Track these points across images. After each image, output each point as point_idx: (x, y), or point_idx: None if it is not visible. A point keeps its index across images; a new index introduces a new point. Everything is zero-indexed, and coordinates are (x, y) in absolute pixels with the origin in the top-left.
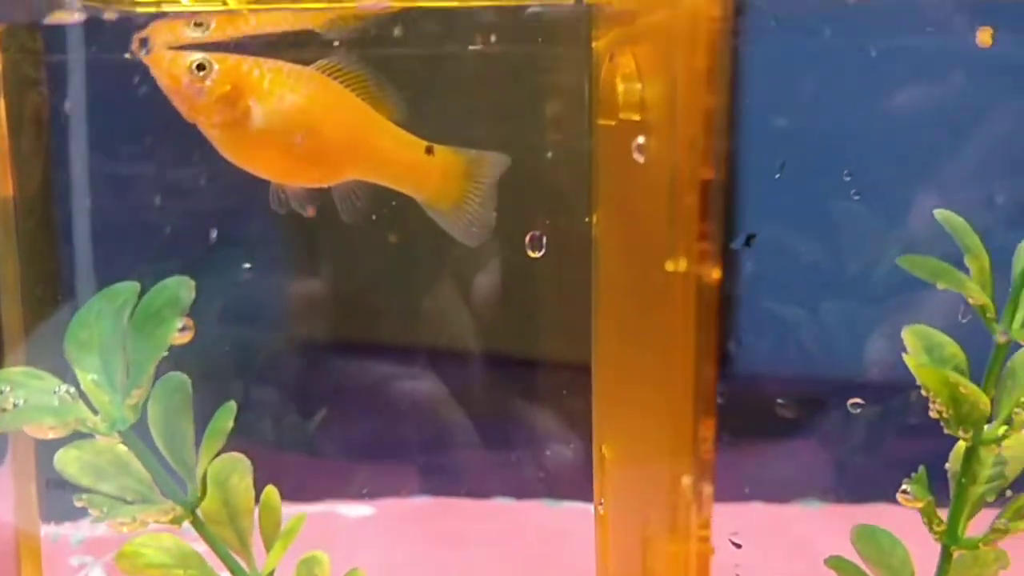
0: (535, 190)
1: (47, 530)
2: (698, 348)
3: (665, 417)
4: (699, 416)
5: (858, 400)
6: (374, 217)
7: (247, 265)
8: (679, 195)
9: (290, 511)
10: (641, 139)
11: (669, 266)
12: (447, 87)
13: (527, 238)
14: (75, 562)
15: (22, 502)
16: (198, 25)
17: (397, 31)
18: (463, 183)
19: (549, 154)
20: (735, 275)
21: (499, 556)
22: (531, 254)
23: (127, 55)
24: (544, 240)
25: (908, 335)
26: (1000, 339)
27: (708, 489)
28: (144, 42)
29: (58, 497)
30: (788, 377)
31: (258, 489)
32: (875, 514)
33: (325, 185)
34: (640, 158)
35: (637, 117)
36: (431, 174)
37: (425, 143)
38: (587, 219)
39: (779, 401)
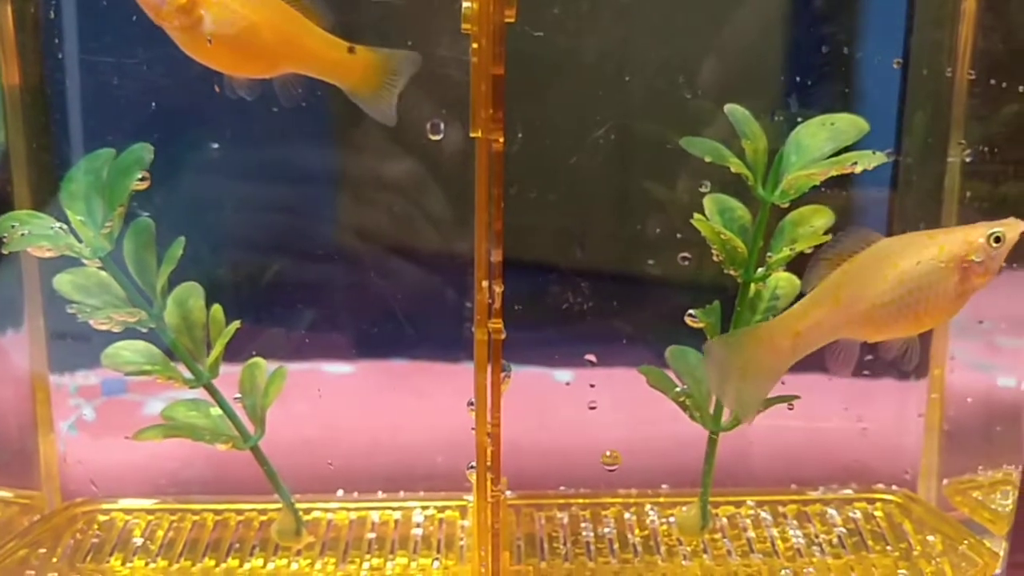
0: None
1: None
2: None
3: None
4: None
5: None
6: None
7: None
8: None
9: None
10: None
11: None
12: None
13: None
14: (72, 403)
15: (35, 355)
16: None
17: None
18: (380, 76)
19: None
20: None
21: None
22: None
23: None
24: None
25: (707, 201)
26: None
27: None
28: None
29: (60, 353)
30: None
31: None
32: None
33: (266, 76)
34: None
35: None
36: (354, 69)
37: (347, 44)
38: None
39: None
